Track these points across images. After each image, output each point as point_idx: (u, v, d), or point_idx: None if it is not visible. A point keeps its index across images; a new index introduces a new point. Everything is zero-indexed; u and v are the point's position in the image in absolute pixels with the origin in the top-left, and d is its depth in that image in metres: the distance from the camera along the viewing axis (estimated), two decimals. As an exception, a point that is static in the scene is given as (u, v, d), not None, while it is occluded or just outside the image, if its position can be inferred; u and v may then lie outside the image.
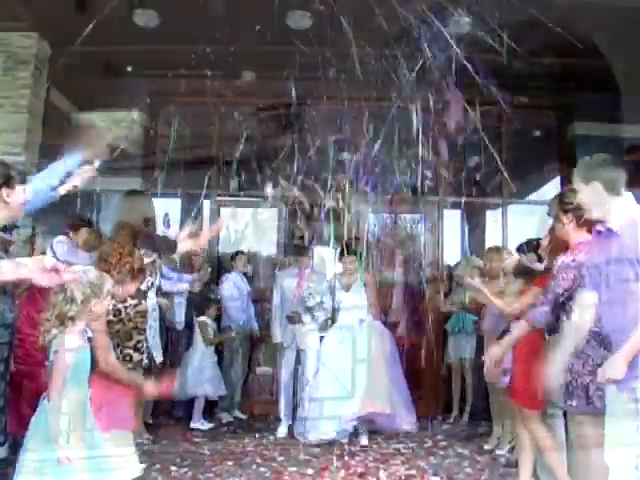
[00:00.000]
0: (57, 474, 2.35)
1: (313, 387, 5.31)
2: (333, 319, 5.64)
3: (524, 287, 3.83)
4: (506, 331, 4.28)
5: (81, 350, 2.53)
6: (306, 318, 5.61)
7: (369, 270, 5.66)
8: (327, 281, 5.76)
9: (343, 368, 5.09)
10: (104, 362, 2.82)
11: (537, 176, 7.38)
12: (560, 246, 3.30)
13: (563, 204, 3.19)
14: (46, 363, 2.51)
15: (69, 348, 2.46)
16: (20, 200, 2.89)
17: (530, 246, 4.65)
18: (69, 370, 2.46)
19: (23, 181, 2.91)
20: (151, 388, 3.01)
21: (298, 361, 5.78)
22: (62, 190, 3.22)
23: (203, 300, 6.04)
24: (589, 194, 2.76)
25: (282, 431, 5.61)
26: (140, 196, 4.40)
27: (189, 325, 6.02)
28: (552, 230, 3.54)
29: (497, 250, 5.39)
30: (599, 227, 2.76)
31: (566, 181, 7.01)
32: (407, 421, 5.25)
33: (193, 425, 5.76)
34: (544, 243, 3.67)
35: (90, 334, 2.63)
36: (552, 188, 7.38)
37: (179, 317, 5.94)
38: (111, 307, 3.06)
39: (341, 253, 5.61)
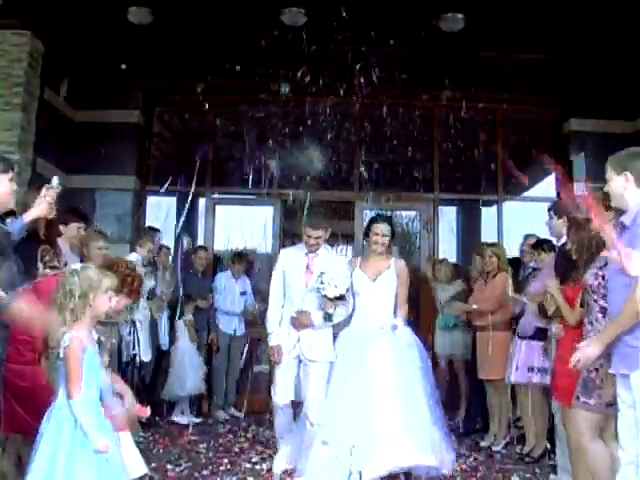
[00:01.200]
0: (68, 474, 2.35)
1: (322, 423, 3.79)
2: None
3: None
4: (540, 330, 4.28)
5: (90, 346, 2.52)
6: (317, 318, 4.06)
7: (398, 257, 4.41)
8: (349, 268, 4.19)
9: (366, 396, 3.74)
10: None
11: (532, 172, 7.37)
12: (592, 243, 3.16)
13: (608, 200, 2.92)
14: (59, 363, 2.47)
15: (80, 338, 2.45)
16: (6, 191, 2.85)
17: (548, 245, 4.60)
18: (83, 366, 2.44)
19: (7, 169, 2.86)
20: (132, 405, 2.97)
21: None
22: (27, 219, 3.16)
23: (185, 299, 5.97)
24: (618, 183, 2.72)
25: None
26: None
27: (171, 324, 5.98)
28: (577, 228, 3.45)
29: (492, 247, 5.37)
30: (620, 220, 2.75)
31: (561, 177, 7.01)
32: (446, 463, 3.79)
33: (174, 418, 5.82)
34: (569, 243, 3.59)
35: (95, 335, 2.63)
36: (548, 184, 7.39)
37: (162, 337, 5.80)
38: None
39: (372, 220, 4.27)
